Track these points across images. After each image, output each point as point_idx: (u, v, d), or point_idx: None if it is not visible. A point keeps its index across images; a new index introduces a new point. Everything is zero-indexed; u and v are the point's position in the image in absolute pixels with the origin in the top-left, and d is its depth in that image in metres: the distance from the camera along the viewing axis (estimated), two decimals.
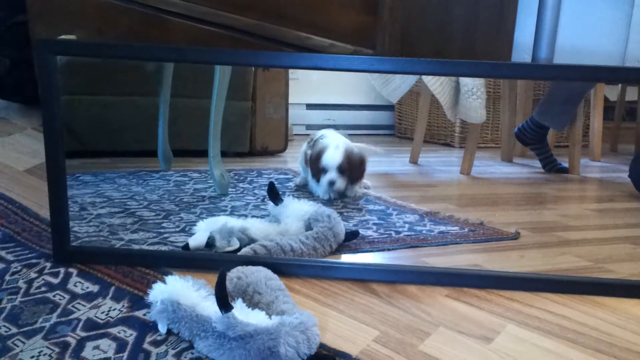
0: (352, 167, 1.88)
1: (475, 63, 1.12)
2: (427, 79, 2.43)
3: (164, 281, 1.04)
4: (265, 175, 2.13)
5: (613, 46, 1.36)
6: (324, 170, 1.85)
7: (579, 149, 2.71)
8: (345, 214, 1.65)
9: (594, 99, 3.06)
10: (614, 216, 1.96)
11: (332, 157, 1.87)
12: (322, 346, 0.96)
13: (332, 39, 1.18)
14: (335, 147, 1.91)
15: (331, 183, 1.82)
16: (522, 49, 1.36)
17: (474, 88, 2.42)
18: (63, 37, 1.43)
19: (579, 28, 1.34)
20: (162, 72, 2.03)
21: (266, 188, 1.49)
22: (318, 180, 1.88)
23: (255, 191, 1.83)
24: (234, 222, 1.32)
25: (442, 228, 1.57)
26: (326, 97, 3.56)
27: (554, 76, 1.31)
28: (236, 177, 2.03)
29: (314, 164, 1.91)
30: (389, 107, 3.64)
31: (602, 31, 1.36)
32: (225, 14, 1.26)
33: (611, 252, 1.47)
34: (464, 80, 2.39)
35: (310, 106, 3.55)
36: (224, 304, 0.93)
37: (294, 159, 2.67)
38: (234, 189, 1.85)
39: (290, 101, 2.84)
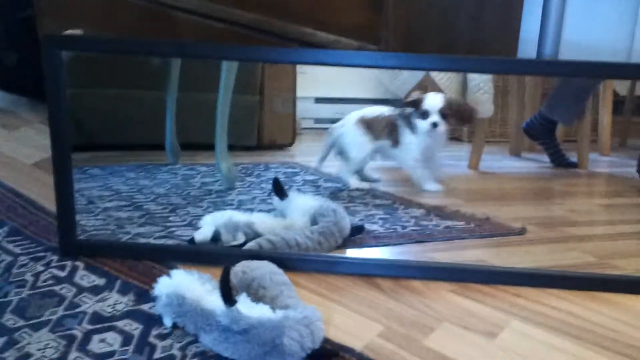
0: (461, 109, 1.96)
1: (480, 59, 1.12)
2: (434, 73, 2.42)
3: (169, 275, 1.05)
4: (273, 169, 2.14)
5: (619, 42, 1.36)
6: (424, 114, 1.87)
7: (588, 143, 2.70)
8: (351, 208, 1.65)
9: (603, 93, 3.04)
10: (621, 211, 1.96)
11: (434, 100, 1.89)
12: (326, 340, 0.96)
13: (336, 35, 1.18)
14: (435, 94, 1.95)
15: (434, 124, 1.85)
16: (528, 45, 1.36)
17: (481, 83, 2.41)
18: (70, 31, 1.43)
19: (585, 24, 1.33)
20: (169, 66, 2.04)
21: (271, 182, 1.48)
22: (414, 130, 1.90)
23: (263, 185, 1.83)
24: (240, 217, 1.32)
25: (448, 223, 1.57)
26: (335, 90, 3.55)
27: (559, 72, 1.30)
28: (243, 170, 2.04)
29: (411, 111, 1.93)
30: (396, 101, 3.65)
31: (608, 27, 1.35)
32: (230, 9, 1.27)
33: (617, 248, 1.47)
34: (471, 75, 2.38)
35: (319, 100, 3.55)
36: (228, 298, 0.94)
37: (301, 152, 2.67)
38: (241, 183, 1.85)
39: (298, 95, 2.84)
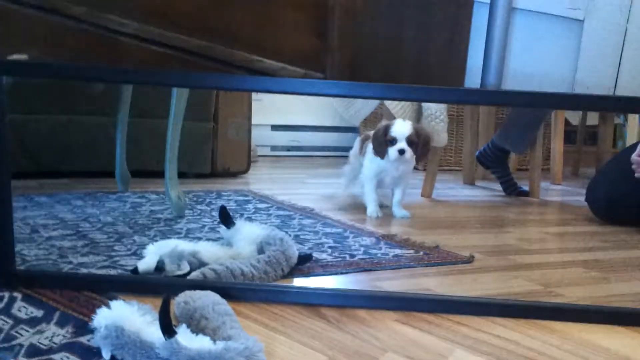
0: (421, 141, 1.96)
1: (424, 88, 1.13)
2: (389, 102, 2.44)
3: (108, 306, 1.03)
4: (225, 197, 2.13)
5: (563, 73, 1.38)
6: (392, 141, 1.92)
7: (539, 172, 2.74)
8: (301, 236, 1.64)
9: (555, 123, 3.10)
10: (569, 240, 1.99)
11: (402, 128, 1.94)
12: None
13: (283, 62, 1.18)
14: (402, 120, 1.99)
15: (401, 151, 1.89)
16: (476, 74, 1.38)
17: (437, 112, 2.44)
18: (15, 56, 1.41)
19: (529, 54, 1.36)
20: (120, 92, 2.02)
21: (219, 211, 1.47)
22: (382, 157, 1.95)
23: (213, 213, 1.82)
24: (185, 246, 1.30)
25: (398, 251, 1.57)
26: (291, 118, 3.57)
27: (503, 102, 1.33)
28: (195, 198, 2.02)
29: (380, 138, 1.96)
30: (353, 129, 3.67)
31: (553, 58, 1.38)
32: (176, 35, 1.26)
33: (563, 276, 1.49)
34: (426, 104, 2.41)
35: (275, 127, 3.56)
36: (168, 330, 0.92)
37: (256, 180, 2.67)
38: (191, 211, 1.84)
39: (254, 122, 2.85)
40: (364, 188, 2.03)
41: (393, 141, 1.91)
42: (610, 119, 3.32)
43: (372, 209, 1.99)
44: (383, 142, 1.93)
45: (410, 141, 1.91)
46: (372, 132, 2.05)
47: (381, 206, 2.05)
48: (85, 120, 2.25)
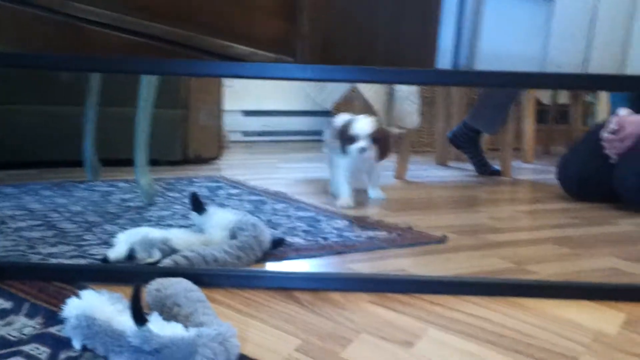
0: (382, 139, 1.91)
1: (396, 70, 1.13)
2: (360, 85, 2.44)
3: (78, 296, 1.01)
4: (197, 184, 2.11)
5: (534, 52, 1.39)
6: (353, 139, 1.87)
7: (511, 152, 2.76)
8: (274, 221, 1.63)
9: (526, 102, 3.12)
10: (541, 217, 2.00)
11: (363, 125, 1.88)
12: (242, 357, 0.94)
13: (253, 48, 1.17)
14: (364, 117, 1.93)
15: (362, 149, 1.85)
16: (448, 55, 1.38)
17: (409, 94, 2.44)
18: None
19: (502, 35, 1.36)
20: (89, 80, 1.99)
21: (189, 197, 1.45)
22: (343, 152, 1.90)
23: (184, 200, 1.80)
24: (156, 233, 1.29)
25: (371, 233, 1.57)
26: (263, 103, 3.56)
27: (474, 82, 1.32)
28: (166, 186, 2.01)
29: (342, 134, 1.91)
30: (326, 113, 3.66)
31: (524, 37, 1.39)
32: (144, 22, 1.24)
33: (534, 253, 1.50)
34: (398, 86, 2.41)
35: (246, 113, 3.54)
36: (139, 318, 0.91)
37: (229, 165, 2.66)
38: (162, 198, 1.82)
39: (226, 108, 2.83)
40: (336, 185, 1.98)
41: (354, 138, 1.87)
42: (581, 98, 3.36)
43: (344, 198, 1.92)
44: (345, 139, 1.89)
45: (372, 139, 1.87)
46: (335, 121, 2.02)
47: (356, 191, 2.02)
48: (52, 110, 2.21)
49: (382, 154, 1.95)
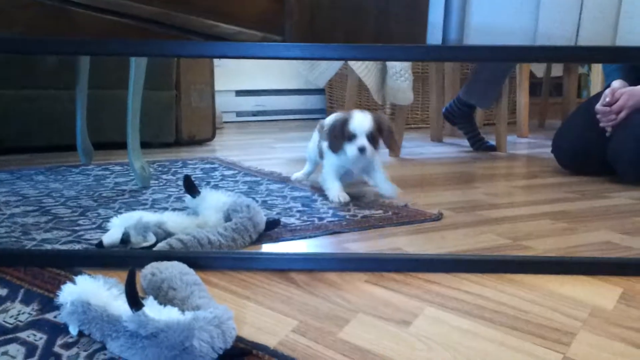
0: (385, 133, 1.74)
1: (386, 47, 1.12)
2: (352, 62, 2.42)
3: (74, 281, 1.01)
4: (191, 166, 2.10)
5: (525, 25, 1.38)
6: (351, 137, 1.70)
7: (505, 126, 2.75)
8: (269, 202, 1.63)
9: (520, 76, 3.11)
10: (536, 192, 2.00)
11: (362, 122, 1.70)
12: (239, 339, 0.94)
13: (239, 27, 1.15)
14: (361, 112, 1.74)
15: (362, 149, 1.67)
16: (438, 30, 1.36)
17: (401, 70, 2.43)
18: None
19: (491, 7, 1.34)
20: (78, 63, 1.98)
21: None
22: (337, 152, 1.73)
23: (179, 182, 1.80)
24: (150, 217, 1.28)
25: (366, 212, 1.57)
26: (256, 83, 3.54)
27: (466, 58, 1.32)
28: (160, 168, 2.00)
29: (337, 132, 1.72)
30: (319, 91, 3.65)
31: (513, 10, 1.37)
32: (130, 3, 1.23)
33: (530, 229, 1.50)
34: (390, 62, 2.39)
35: (239, 93, 3.53)
36: (135, 302, 0.90)
37: (222, 147, 2.65)
38: (156, 181, 1.81)
39: (218, 88, 2.82)
40: (325, 183, 1.77)
41: (352, 137, 1.68)
42: (575, 70, 3.34)
43: (334, 193, 1.71)
44: (340, 137, 1.70)
45: (371, 136, 1.68)
46: (326, 121, 1.81)
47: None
48: (43, 94, 2.20)
49: (391, 144, 1.80)
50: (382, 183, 1.78)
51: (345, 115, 1.73)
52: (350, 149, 1.68)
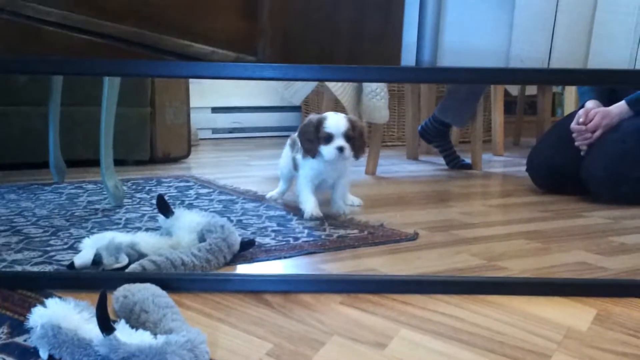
0: (357, 135, 1.70)
1: (360, 68, 1.11)
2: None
3: (44, 304, 0.99)
4: (166, 184, 2.08)
5: (498, 46, 1.39)
6: (327, 139, 1.66)
7: (481, 144, 2.77)
8: (244, 221, 1.62)
9: (495, 94, 3.13)
10: (511, 211, 2.01)
11: (337, 122, 1.67)
12: None
13: (213, 46, 1.15)
14: (335, 113, 1.71)
15: (341, 149, 1.64)
16: (411, 51, 1.37)
17: (377, 88, 2.43)
18: None
19: (464, 29, 1.35)
20: (51, 80, 1.96)
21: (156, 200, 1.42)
22: (314, 156, 1.69)
23: (153, 201, 1.78)
24: (122, 238, 1.27)
25: (342, 232, 1.56)
26: (232, 100, 3.53)
27: (440, 79, 1.32)
28: (134, 186, 1.98)
29: (310, 135, 1.68)
30: (296, 109, 3.65)
31: (486, 31, 1.38)
32: (103, 22, 1.22)
33: (506, 249, 1.50)
34: None
35: (215, 110, 3.51)
36: (106, 326, 0.89)
37: (198, 164, 2.63)
38: (130, 200, 1.79)
39: (194, 105, 2.80)
40: (300, 195, 1.75)
41: (328, 138, 1.66)
42: (549, 89, 3.37)
43: (310, 208, 1.69)
44: (315, 140, 1.67)
45: (347, 136, 1.66)
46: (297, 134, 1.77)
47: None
48: (15, 111, 2.17)
49: (359, 149, 1.73)
50: (340, 198, 1.78)
51: (318, 117, 1.70)
52: (328, 151, 1.66)
